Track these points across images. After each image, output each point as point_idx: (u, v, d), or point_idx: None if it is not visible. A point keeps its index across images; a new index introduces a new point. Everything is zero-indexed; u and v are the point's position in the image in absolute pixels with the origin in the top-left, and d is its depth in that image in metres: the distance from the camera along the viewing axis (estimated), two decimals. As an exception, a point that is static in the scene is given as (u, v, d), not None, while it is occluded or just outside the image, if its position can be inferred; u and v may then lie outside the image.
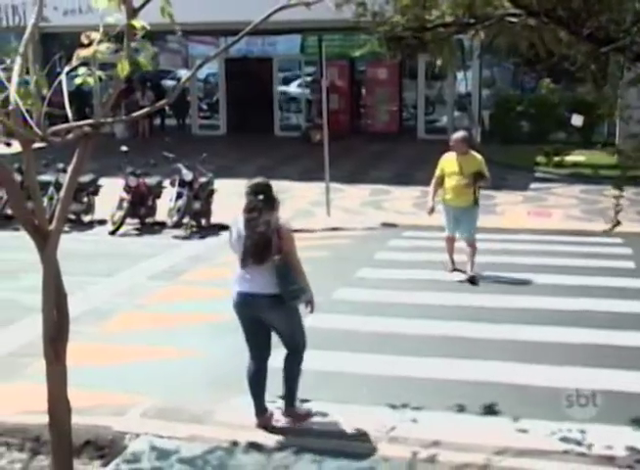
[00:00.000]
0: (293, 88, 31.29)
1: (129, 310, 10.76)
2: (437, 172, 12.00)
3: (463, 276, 11.88)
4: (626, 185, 8.38)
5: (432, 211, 12.10)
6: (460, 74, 27.67)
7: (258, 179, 7.35)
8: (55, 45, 26.12)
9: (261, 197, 7.05)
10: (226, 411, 7.52)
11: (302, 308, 7.31)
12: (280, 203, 7.27)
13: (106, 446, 6.78)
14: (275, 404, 7.46)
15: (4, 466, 6.64)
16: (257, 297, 7.03)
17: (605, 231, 9.33)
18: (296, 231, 8.27)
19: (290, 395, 7.35)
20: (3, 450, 6.81)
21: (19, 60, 5.38)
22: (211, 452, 6.71)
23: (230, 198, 17.53)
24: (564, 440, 6.86)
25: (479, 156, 11.83)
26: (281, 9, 6.16)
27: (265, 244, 6.94)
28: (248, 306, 7.12)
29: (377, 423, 7.21)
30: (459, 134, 12.05)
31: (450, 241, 12.23)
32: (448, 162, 11.87)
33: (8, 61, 5.43)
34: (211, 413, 7.48)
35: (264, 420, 7.24)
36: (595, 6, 6.92)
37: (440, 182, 11.96)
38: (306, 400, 7.57)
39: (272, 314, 7.09)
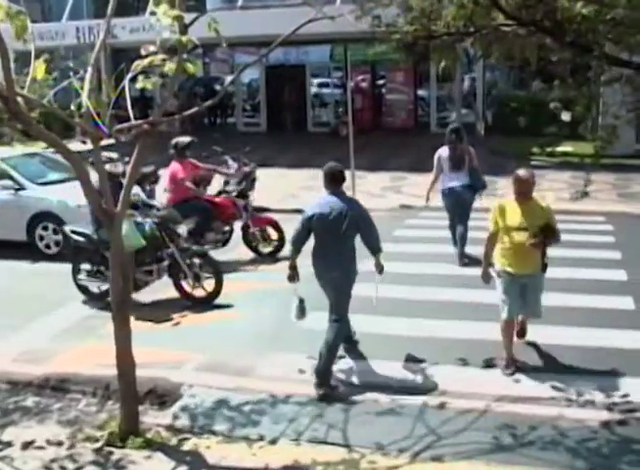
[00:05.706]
0: (323, 90, 31.13)
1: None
2: (492, 228, 7.34)
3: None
4: (596, 169, 8.50)
5: (489, 279, 7.56)
6: (466, 77, 27.49)
7: (454, 124, 11.88)
8: (124, 59, 26.06)
9: (455, 134, 10.94)
10: (266, 366, 7.54)
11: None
12: (465, 135, 11.09)
13: (165, 395, 6.89)
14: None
15: (82, 408, 6.81)
16: (459, 187, 10.92)
17: (571, 198, 9.18)
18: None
19: (462, 246, 11.01)
20: (80, 396, 7.00)
21: (90, 70, 5.44)
22: (255, 402, 6.75)
23: (270, 185, 17.62)
24: (552, 388, 6.84)
25: (544, 202, 7.51)
26: (309, 22, 6.21)
27: (461, 158, 10.91)
28: (453, 194, 10.96)
29: (398, 376, 7.24)
30: (526, 172, 7.31)
31: (511, 327, 7.45)
32: (508, 212, 7.26)
33: (82, 71, 5.49)
34: (253, 368, 7.51)
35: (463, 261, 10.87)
36: (576, 17, 6.85)
37: (495, 241, 7.40)
38: (342, 357, 7.59)
39: (467, 195, 10.97)
